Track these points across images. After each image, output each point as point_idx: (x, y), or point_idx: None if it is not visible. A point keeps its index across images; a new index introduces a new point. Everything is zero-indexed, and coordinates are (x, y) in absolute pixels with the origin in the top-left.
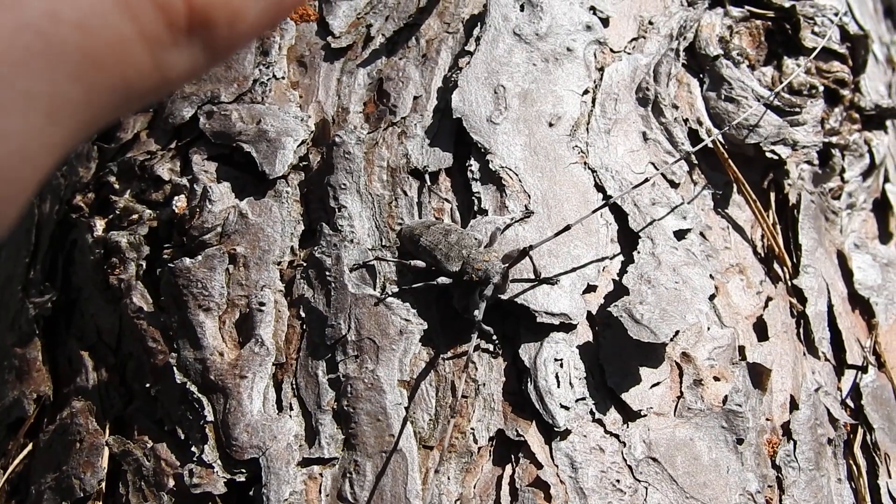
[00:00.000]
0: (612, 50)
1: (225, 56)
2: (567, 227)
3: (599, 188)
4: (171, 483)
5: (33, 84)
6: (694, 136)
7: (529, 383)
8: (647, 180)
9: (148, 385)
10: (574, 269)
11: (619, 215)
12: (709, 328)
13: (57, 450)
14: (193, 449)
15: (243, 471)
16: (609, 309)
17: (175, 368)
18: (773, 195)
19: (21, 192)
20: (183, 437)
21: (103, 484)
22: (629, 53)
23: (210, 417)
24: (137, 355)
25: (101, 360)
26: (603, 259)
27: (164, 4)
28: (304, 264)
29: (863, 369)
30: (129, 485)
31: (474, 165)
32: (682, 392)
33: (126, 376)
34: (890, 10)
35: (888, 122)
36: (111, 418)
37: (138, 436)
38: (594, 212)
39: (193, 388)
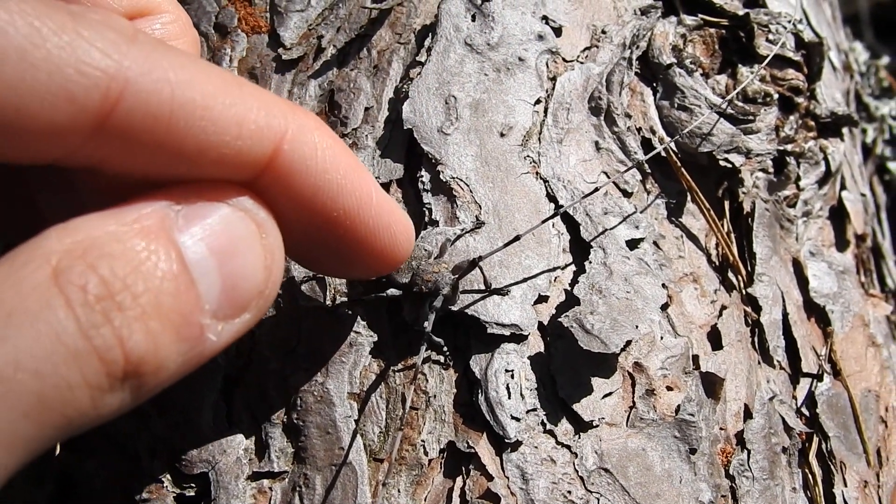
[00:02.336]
0: (564, 59)
1: (147, 397)
2: (516, 238)
3: (551, 198)
4: (121, 497)
5: None
6: (647, 146)
7: (480, 395)
8: (596, 189)
9: None
10: (525, 280)
11: (571, 225)
12: (662, 338)
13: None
14: (143, 463)
15: (193, 485)
16: (560, 319)
17: None
18: (727, 204)
19: None
20: (132, 452)
21: (52, 499)
22: (582, 63)
23: (159, 431)
24: None
25: None
26: (554, 269)
27: (106, 358)
28: None
29: (818, 377)
30: (78, 500)
31: (425, 176)
32: (634, 402)
33: None
34: (854, 18)
35: (844, 130)
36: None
37: (88, 450)
38: (544, 222)
39: (143, 402)
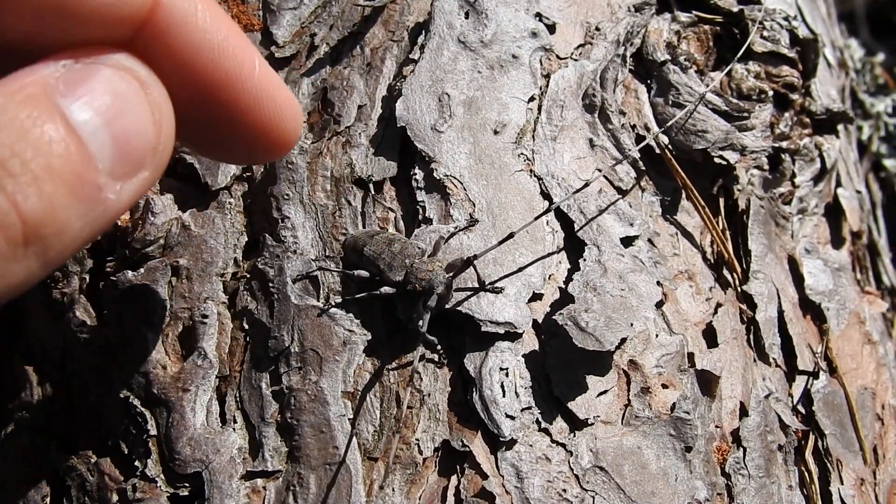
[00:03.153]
0: (558, 56)
1: (57, 264)
2: (510, 235)
3: (545, 196)
4: (115, 498)
5: None
6: (641, 143)
7: (475, 393)
8: (587, 183)
9: (92, 400)
10: (517, 271)
11: (566, 223)
12: (657, 335)
13: (0, 466)
14: (137, 463)
15: (186, 485)
16: (554, 317)
17: (118, 382)
18: (722, 201)
19: None
20: (126, 452)
21: (47, 500)
22: (576, 60)
23: (153, 431)
24: (81, 370)
25: (45, 375)
26: (546, 256)
27: (3, 223)
28: (248, 276)
29: (814, 375)
30: (73, 500)
31: (419, 174)
32: (629, 400)
33: (71, 392)
34: (850, 15)
35: (840, 127)
36: (56, 433)
37: (82, 451)
38: (536, 218)
39: (136, 402)
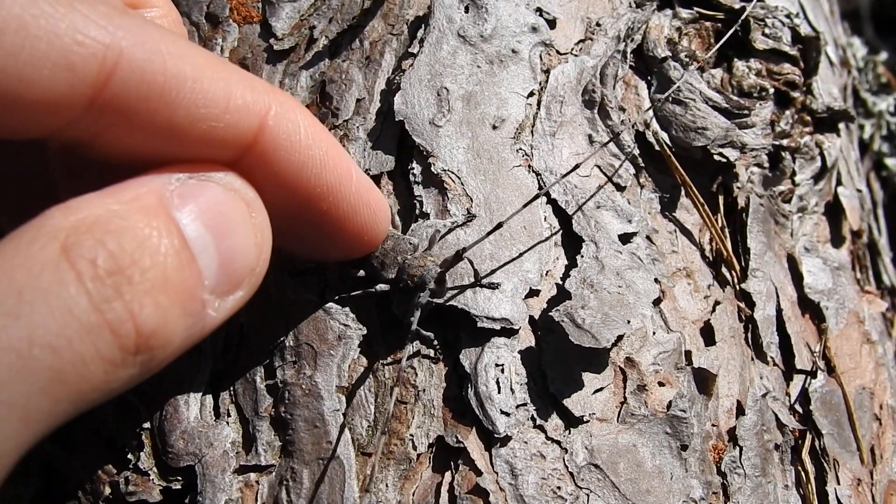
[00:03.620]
0: (558, 52)
1: (153, 372)
2: (499, 225)
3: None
4: (108, 491)
5: (13, 397)
6: (641, 139)
7: (470, 389)
8: (577, 166)
9: None
10: (510, 262)
11: (563, 219)
12: (654, 333)
13: None
14: (130, 456)
15: (179, 478)
16: (551, 314)
17: None
18: (721, 198)
19: None
20: (119, 445)
21: (40, 493)
22: (576, 55)
23: (146, 424)
24: None
25: None
26: (541, 242)
27: (119, 332)
28: None
29: (812, 374)
30: (65, 493)
31: (416, 168)
32: (625, 398)
33: None
34: (854, 13)
35: (841, 126)
36: (45, 435)
37: (75, 444)
38: (526, 205)
39: (130, 395)
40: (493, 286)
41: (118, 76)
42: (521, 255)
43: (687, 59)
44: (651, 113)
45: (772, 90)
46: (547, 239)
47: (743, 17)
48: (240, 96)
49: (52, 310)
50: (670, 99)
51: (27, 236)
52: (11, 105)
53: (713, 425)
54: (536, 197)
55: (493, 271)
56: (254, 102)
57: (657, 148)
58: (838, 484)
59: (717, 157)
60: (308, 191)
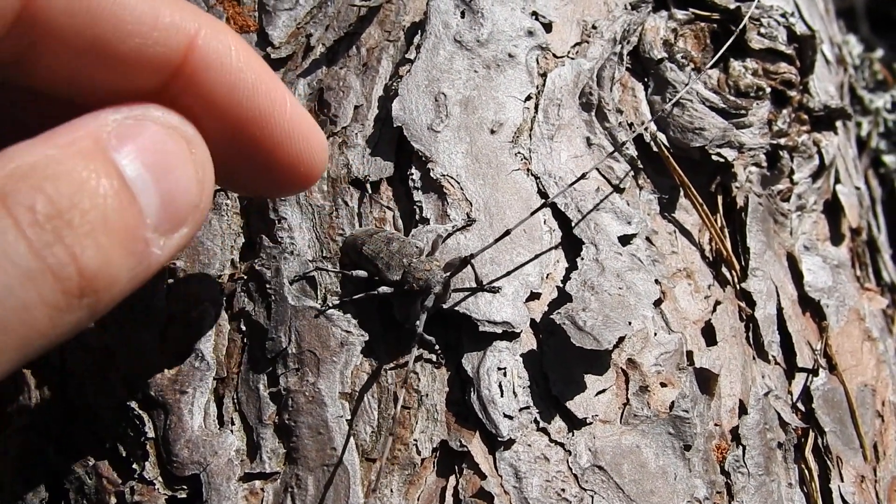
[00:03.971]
0: (554, 55)
1: (100, 315)
2: (506, 233)
3: (542, 194)
4: (113, 501)
5: None
6: (639, 141)
7: (473, 393)
8: (582, 176)
9: (89, 402)
10: (515, 270)
11: (563, 221)
12: (655, 334)
13: None
14: (135, 466)
15: (184, 487)
16: (552, 316)
17: (115, 385)
18: (720, 198)
19: None
20: (124, 454)
21: (45, 503)
22: (572, 58)
23: (151, 434)
24: (79, 373)
25: (43, 378)
26: (545, 252)
27: (61, 275)
28: (245, 277)
29: (814, 372)
30: (70, 503)
31: (415, 174)
32: (628, 399)
33: (69, 394)
34: (849, 11)
35: (838, 123)
36: (54, 436)
37: (80, 454)
38: (532, 213)
39: (134, 405)
40: (494, 290)
41: None
42: (527, 262)
43: (683, 60)
44: (649, 118)
45: (768, 89)
46: (556, 247)
47: (743, 22)
48: (168, 15)
49: None
50: (667, 100)
51: None
52: None
53: (716, 425)
54: (543, 206)
55: (499, 277)
56: (182, 21)
57: (655, 149)
58: (842, 481)
59: (715, 158)
60: (240, 114)
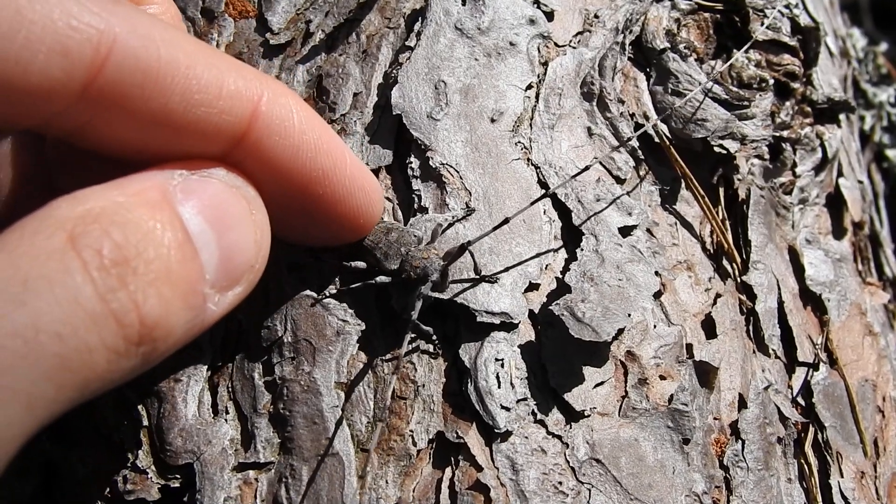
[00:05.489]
0: (556, 44)
1: (153, 364)
2: (505, 221)
3: (543, 184)
4: (107, 489)
5: (17, 382)
6: (640, 130)
7: (469, 384)
8: (585, 169)
9: None
10: (516, 265)
11: (563, 212)
12: (655, 326)
13: None
14: (128, 454)
15: (178, 476)
16: (551, 307)
17: None
18: (722, 190)
19: None
20: (118, 443)
21: (39, 491)
22: (574, 48)
23: (144, 422)
24: None
25: None
26: (545, 253)
27: (123, 321)
28: None
29: (814, 367)
30: (64, 492)
31: (414, 163)
32: (626, 391)
33: None
34: (853, 4)
35: (841, 116)
36: (47, 424)
37: (74, 442)
38: (533, 203)
39: (128, 393)
40: (492, 280)
41: (113, 62)
42: (532, 257)
43: (686, 51)
44: (651, 109)
45: (772, 81)
46: (557, 249)
47: (755, 35)
48: (232, 82)
49: (57, 298)
50: (669, 90)
51: (32, 226)
52: (7, 90)
53: (715, 419)
54: (544, 196)
55: (502, 271)
56: (246, 88)
57: (657, 140)
58: (842, 477)
59: (717, 149)
60: (303, 176)
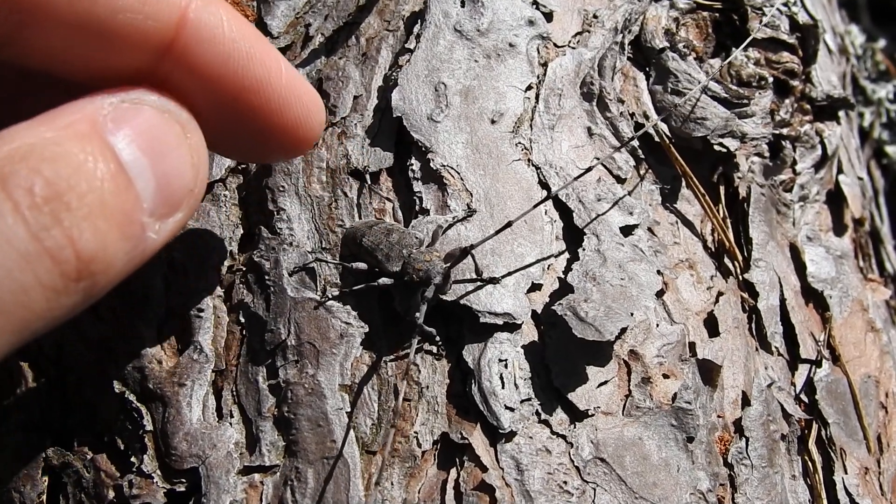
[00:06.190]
0: (555, 45)
1: (97, 298)
2: (508, 224)
3: (543, 185)
4: (112, 495)
5: None
6: (640, 130)
7: (473, 385)
8: (588, 170)
9: (87, 395)
10: (518, 270)
11: (564, 212)
12: (658, 325)
13: None
14: (133, 459)
15: (183, 481)
16: (553, 308)
17: (114, 378)
18: (722, 189)
19: None
20: (123, 448)
21: (44, 497)
22: (573, 48)
23: (149, 427)
24: (77, 366)
25: (41, 371)
26: (547, 258)
27: (59, 258)
28: (244, 269)
29: (817, 363)
30: (69, 497)
31: (415, 164)
32: (630, 390)
33: (66, 388)
34: (851, 1)
35: (841, 113)
36: (51, 430)
37: (78, 447)
38: (535, 206)
39: (132, 398)
40: (494, 281)
41: None
42: (530, 265)
43: (685, 50)
44: (651, 108)
45: (771, 79)
46: (558, 255)
47: (754, 33)
48: None
49: None
50: (669, 90)
51: None
52: None
53: (719, 416)
54: (546, 199)
55: (508, 274)
56: None
57: (657, 139)
58: (846, 473)
59: (717, 148)
60: (235, 85)
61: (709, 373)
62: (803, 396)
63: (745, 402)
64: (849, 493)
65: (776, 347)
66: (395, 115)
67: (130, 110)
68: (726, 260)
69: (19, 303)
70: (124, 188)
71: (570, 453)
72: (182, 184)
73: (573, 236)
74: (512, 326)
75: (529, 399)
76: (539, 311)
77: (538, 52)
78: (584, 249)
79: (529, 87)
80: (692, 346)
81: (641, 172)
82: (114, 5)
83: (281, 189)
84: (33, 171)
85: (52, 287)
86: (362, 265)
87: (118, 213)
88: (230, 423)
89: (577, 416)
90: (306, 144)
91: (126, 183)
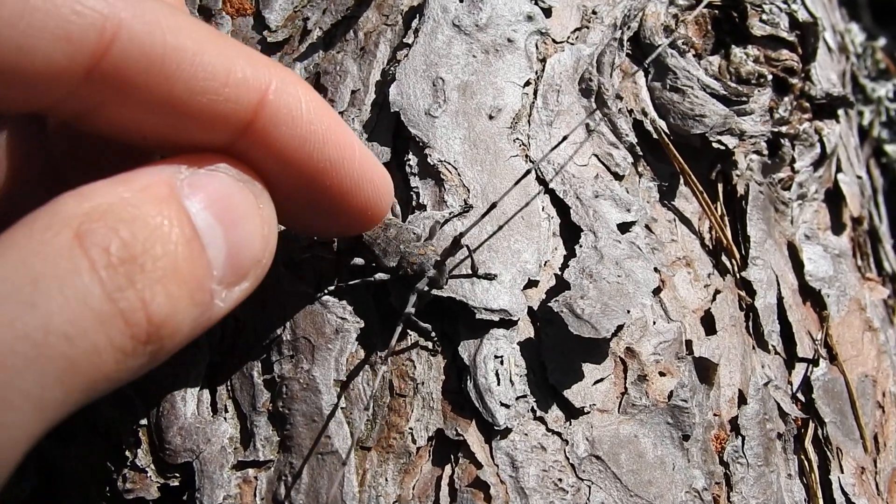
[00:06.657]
0: (554, 40)
1: (159, 363)
2: (493, 206)
3: (541, 181)
4: (106, 489)
5: (27, 385)
6: (639, 127)
7: (469, 381)
8: (564, 138)
9: None
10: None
11: (561, 208)
12: (654, 322)
13: None
14: (127, 453)
15: (177, 475)
16: (550, 304)
17: None
18: (720, 186)
19: (2, 471)
20: (117, 442)
21: (37, 490)
22: (572, 44)
23: (143, 421)
24: None
25: None
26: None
27: (131, 321)
28: None
29: (814, 362)
30: (62, 491)
31: (412, 160)
32: (626, 388)
33: None
34: (851, 1)
35: (840, 112)
36: (55, 425)
37: (72, 441)
38: (515, 184)
39: (128, 390)
40: (490, 277)
41: (117, 47)
42: (535, 260)
43: (684, 47)
44: (649, 105)
45: (770, 77)
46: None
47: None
48: (240, 70)
49: (66, 298)
50: (667, 86)
51: (40, 222)
52: (10, 76)
53: (715, 415)
54: (528, 172)
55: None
56: (254, 77)
57: (655, 136)
58: (842, 472)
59: (715, 145)
60: (311, 166)
61: (705, 371)
62: (800, 395)
63: (742, 400)
64: (845, 493)
65: (773, 346)
66: (392, 110)
67: (207, 176)
68: (724, 258)
69: (91, 363)
70: (197, 254)
71: (565, 451)
72: (252, 254)
73: (570, 233)
74: (508, 323)
75: (525, 396)
76: (535, 308)
77: (537, 48)
78: (580, 246)
79: (528, 83)
80: (689, 343)
81: (639, 169)
82: (193, 88)
83: None
84: (111, 231)
85: (122, 349)
86: (359, 260)
87: (190, 279)
88: (224, 418)
89: (572, 413)
90: (374, 223)
91: (199, 249)
